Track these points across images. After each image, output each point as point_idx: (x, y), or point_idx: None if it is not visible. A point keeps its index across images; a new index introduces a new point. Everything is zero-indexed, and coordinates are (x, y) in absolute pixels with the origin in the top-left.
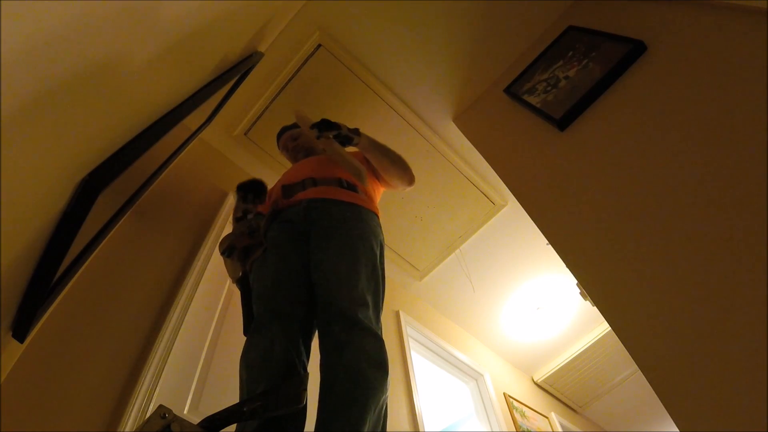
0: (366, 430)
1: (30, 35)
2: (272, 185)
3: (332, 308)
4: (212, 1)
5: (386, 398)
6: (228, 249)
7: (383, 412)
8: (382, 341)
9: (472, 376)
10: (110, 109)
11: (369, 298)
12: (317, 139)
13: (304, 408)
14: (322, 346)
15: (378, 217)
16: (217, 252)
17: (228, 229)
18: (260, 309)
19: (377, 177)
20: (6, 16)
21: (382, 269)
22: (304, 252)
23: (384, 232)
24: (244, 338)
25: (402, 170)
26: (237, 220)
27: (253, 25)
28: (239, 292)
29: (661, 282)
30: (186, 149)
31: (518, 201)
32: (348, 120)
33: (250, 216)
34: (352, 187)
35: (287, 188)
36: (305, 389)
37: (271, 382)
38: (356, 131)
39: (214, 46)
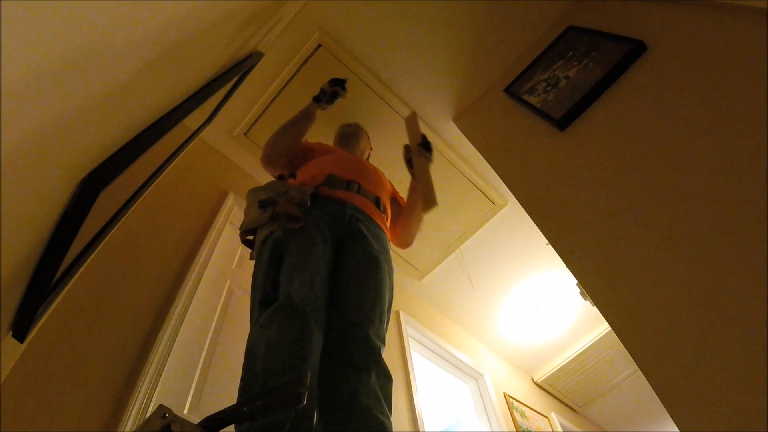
0: None
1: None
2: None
3: (357, 331)
4: (213, 1)
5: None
6: (267, 202)
7: None
8: (386, 372)
9: (472, 376)
10: (111, 108)
11: (385, 340)
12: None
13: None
14: (330, 357)
15: None
16: (217, 252)
17: (228, 229)
18: (292, 296)
19: (396, 220)
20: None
21: None
22: (335, 254)
23: None
24: (245, 338)
25: (418, 229)
26: (279, 178)
27: (254, 25)
28: (251, 274)
29: (661, 282)
30: (186, 149)
31: (518, 201)
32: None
33: (290, 183)
34: (384, 210)
35: (333, 179)
36: (307, 389)
37: (304, 371)
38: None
39: (214, 46)
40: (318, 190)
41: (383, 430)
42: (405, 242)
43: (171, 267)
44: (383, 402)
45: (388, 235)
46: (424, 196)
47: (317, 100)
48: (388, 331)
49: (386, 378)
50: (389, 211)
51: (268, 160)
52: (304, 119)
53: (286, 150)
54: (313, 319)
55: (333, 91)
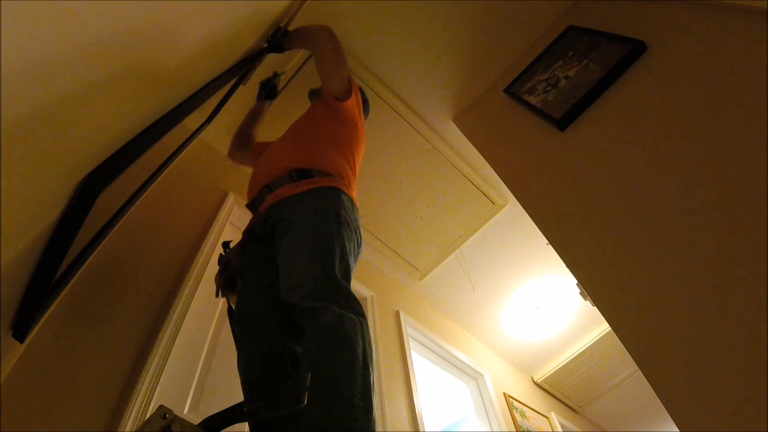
0: (337, 415)
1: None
2: None
3: (290, 306)
4: (215, 1)
5: (358, 355)
6: (217, 290)
7: (359, 369)
8: (329, 308)
9: (472, 376)
10: (111, 108)
11: (311, 271)
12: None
13: None
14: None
15: (342, 190)
16: (217, 252)
17: (228, 229)
18: (236, 330)
19: (331, 98)
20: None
21: (339, 233)
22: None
23: (383, 231)
24: None
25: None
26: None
27: (254, 25)
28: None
29: (661, 282)
30: (186, 149)
31: (518, 201)
32: None
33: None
34: (303, 174)
35: (250, 206)
36: (306, 389)
37: (246, 392)
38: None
39: (215, 45)
40: (247, 228)
41: (325, 359)
42: (329, 85)
43: (171, 267)
44: (326, 335)
45: (330, 180)
46: (307, 46)
47: (260, 97)
48: (387, 331)
49: (324, 315)
50: (320, 142)
51: (230, 155)
52: (251, 115)
53: (240, 144)
54: (250, 338)
55: (272, 83)
